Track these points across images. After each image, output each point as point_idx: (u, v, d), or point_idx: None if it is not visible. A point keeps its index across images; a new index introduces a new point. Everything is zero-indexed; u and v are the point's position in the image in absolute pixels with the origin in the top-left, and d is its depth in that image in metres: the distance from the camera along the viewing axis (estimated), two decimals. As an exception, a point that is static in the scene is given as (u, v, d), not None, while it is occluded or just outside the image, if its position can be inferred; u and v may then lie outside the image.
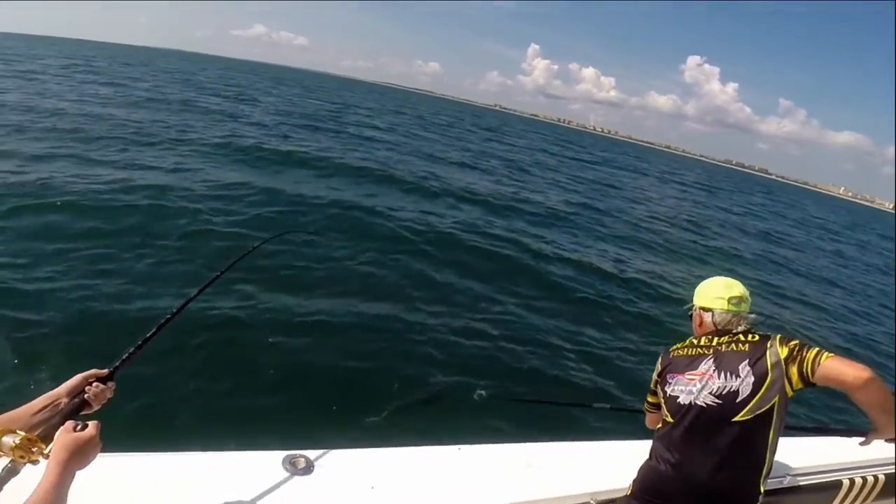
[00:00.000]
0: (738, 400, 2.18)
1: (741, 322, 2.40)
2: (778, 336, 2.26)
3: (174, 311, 1.88)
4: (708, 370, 2.28)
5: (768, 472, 2.22)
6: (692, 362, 2.35)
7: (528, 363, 7.18)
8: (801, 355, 2.14)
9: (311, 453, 2.25)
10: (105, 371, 1.65)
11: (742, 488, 2.22)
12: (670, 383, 2.37)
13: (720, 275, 2.64)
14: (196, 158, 14.99)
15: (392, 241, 10.98)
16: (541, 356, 7.45)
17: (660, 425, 2.43)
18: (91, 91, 26.38)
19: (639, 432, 2.86)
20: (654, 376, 2.52)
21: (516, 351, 7.43)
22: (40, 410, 1.49)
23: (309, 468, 2.15)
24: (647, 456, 2.46)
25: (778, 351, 2.19)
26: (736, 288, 2.46)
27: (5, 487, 1.28)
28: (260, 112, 29.52)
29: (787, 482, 2.40)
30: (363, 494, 2.11)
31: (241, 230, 9.89)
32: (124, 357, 1.70)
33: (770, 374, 2.17)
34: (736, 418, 2.17)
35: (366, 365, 6.29)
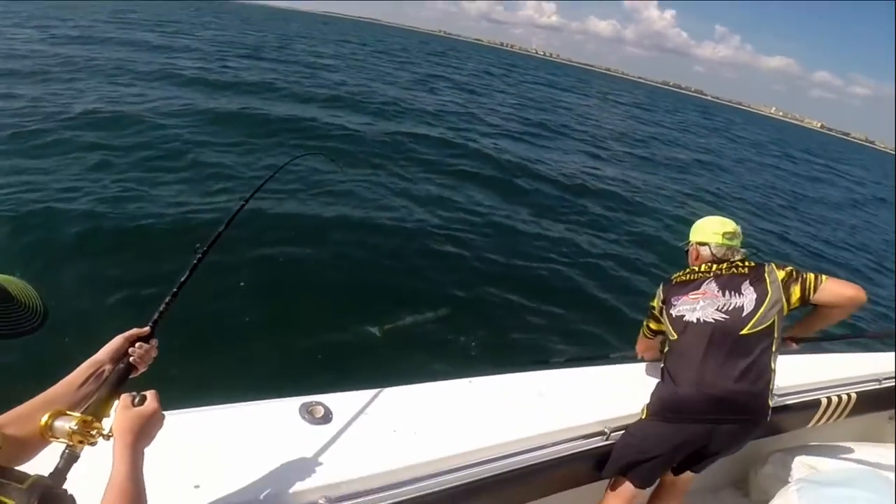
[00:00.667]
0: (743, 315, 2.29)
1: (735, 255, 2.52)
2: (773, 263, 2.43)
3: (205, 248, 1.65)
4: (711, 290, 2.39)
5: (773, 382, 2.31)
6: (694, 285, 2.45)
7: (509, 272, 7.47)
8: (802, 277, 2.32)
9: (327, 398, 2.09)
10: (146, 329, 1.46)
11: (756, 400, 2.27)
12: (675, 305, 2.44)
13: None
14: (150, 88, 14.36)
15: (367, 163, 10.93)
16: (521, 265, 7.79)
17: (665, 349, 2.48)
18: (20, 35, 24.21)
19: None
20: (657, 303, 2.57)
21: (498, 262, 7.68)
22: (84, 382, 1.32)
23: (327, 417, 1.99)
24: (655, 378, 2.53)
25: (776, 274, 2.35)
26: (729, 225, 2.58)
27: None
28: (202, 45, 27.91)
29: (774, 402, 2.44)
30: (386, 439, 1.98)
31: (221, 158, 9.75)
32: (161, 309, 1.51)
33: (770, 293, 2.30)
34: (743, 331, 2.26)
35: (363, 287, 6.30)
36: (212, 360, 4.69)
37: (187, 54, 22.96)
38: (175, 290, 1.53)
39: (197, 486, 1.58)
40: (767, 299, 2.30)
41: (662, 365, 2.45)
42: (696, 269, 2.53)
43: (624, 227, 10.61)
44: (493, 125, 18.56)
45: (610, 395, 2.59)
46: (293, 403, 2.02)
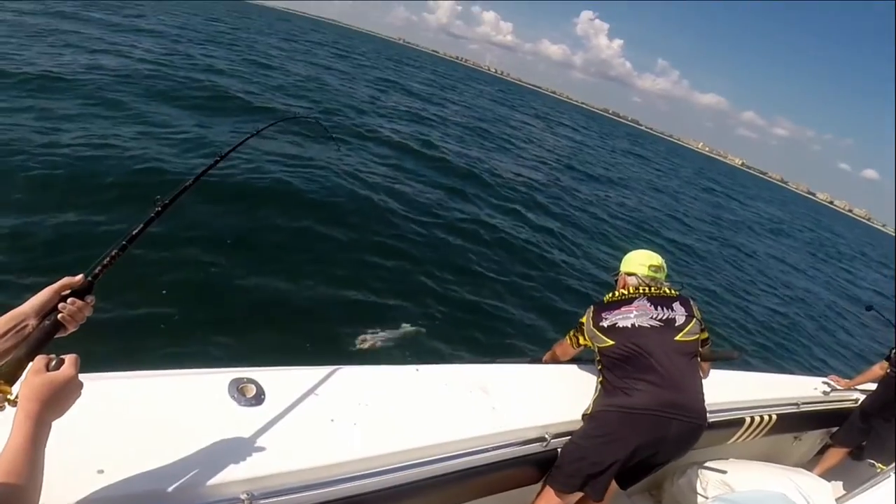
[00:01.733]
0: (676, 325, 2.38)
1: (660, 287, 2.57)
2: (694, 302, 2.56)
3: (165, 201, 1.41)
4: (643, 304, 2.44)
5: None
6: (625, 301, 2.49)
7: (464, 269, 7.86)
8: (706, 332, 2.51)
9: (260, 374, 1.86)
10: (81, 278, 1.21)
11: (699, 403, 2.30)
12: (606, 318, 2.44)
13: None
14: (103, 62, 13.92)
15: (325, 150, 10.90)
16: (476, 264, 8.20)
17: (598, 358, 2.46)
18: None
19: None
20: (586, 320, 2.55)
21: (457, 258, 8.14)
22: (1, 337, 1.10)
23: (259, 397, 1.76)
24: (592, 378, 2.55)
25: (697, 310, 2.49)
26: (655, 259, 2.65)
27: None
28: (164, 28, 26.93)
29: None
30: (322, 429, 1.77)
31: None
32: (105, 261, 1.24)
33: (696, 317, 2.44)
34: (678, 338, 2.35)
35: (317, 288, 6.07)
36: (142, 322, 4.54)
37: (143, 36, 22.14)
38: (124, 242, 1.29)
39: (101, 471, 1.34)
40: (693, 321, 2.41)
41: (600, 369, 2.44)
42: (626, 291, 2.56)
43: (562, 239, 11.40)
44: (442, 133, 18.95)
45: (550, 396, 2.51)
46: (223, 378, 1.80)
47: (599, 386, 2.41)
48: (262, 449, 1.58)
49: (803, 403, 3.55)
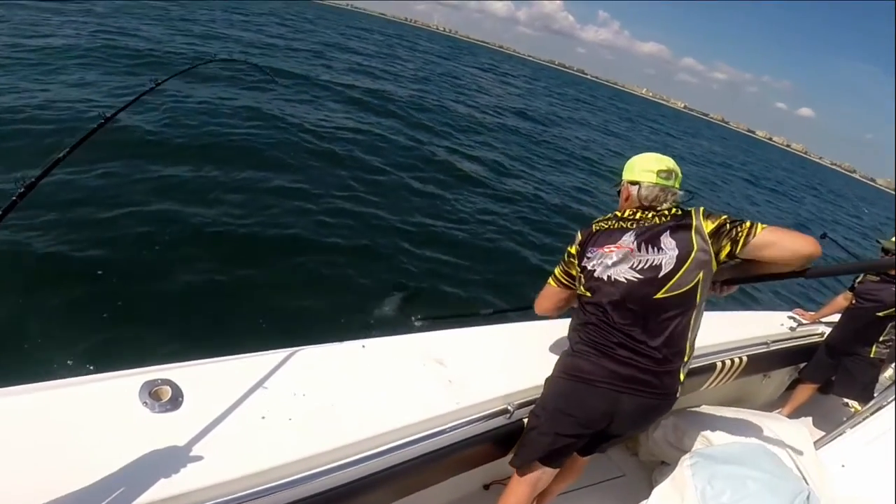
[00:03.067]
0: (660, 275, 1.87)
1: (668, 197, 2.07)
2: (701, 209, 1.96)
3: (31, 180, 1.21)
4: (629, 243, 1.95)
5: (689, 357, 1.95)
6: (613, 235, 2.02)
7: (405, 226, 6.93)
8: (736, 228, 1.84)
9: (179, 373, 1.59)
10: None
11: (663, 378, 1.92)
12: (590, 257, 2.02)
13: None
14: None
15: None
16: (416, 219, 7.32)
17: (576, 305, 2.11)
18: None
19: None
20: (575, 246, 2.12)
21: (395, 214, 7.19)
22: None
23: (176, 400, 1.49)
24: (559, 337, 2.28)
25: (702, 225, 1.90)
26: (666, 161, 2.12)
27: None
28: None
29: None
30: (253, 429, 1.50)
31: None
32: None
33: (695, 249, 1.87)
34: (658, 296, 1.87)
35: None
36: (28, 322, 3.67)
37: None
38: None
39: None
40: (691, 257, 1.86)
41: (569, 331, 2.12)
42: (620, 214, 2.10)
43: (507, 186, 10.76)
44: (393, 86, 18.39)
45: (513, 362, 2.24)
46: (133, 381, 1.52)
47: (568, 341, 2.09)
48: (180, 462, 1.32)
49: (772, 342, 3.36)
